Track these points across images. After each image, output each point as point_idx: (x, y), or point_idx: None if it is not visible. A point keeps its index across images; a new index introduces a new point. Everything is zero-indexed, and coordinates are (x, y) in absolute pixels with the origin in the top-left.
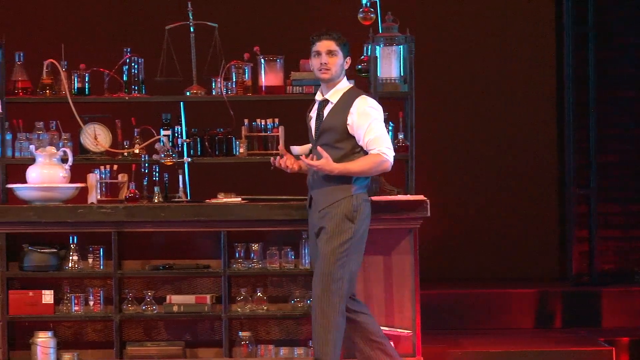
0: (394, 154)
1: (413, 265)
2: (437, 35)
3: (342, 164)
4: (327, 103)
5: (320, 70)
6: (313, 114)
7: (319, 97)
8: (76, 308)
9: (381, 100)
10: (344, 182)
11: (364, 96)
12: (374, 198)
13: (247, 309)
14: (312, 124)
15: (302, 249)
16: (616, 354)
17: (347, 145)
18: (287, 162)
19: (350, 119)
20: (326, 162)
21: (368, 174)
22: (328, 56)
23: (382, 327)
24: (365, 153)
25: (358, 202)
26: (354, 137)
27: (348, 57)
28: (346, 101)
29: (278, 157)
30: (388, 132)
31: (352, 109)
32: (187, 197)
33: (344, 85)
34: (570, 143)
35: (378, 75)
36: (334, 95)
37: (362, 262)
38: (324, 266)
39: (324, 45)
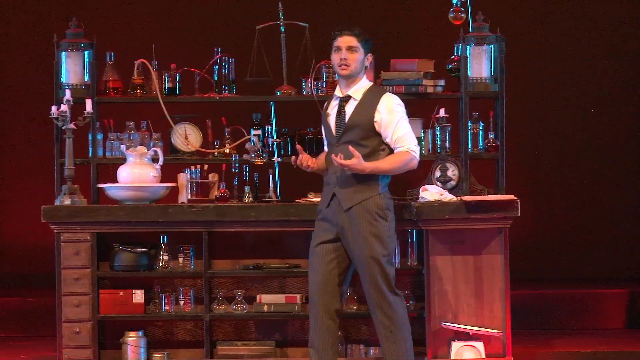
0: (420, 151)
1: (503, 264)
2: (527, 35)
3: (373, 163)
4: (349, 100)
5: (340, 66)
6: (331, 111)
7: (338, 93)
8: (166, 307)
9: (471, 99)
10: (371, 181)
11: (389, 93)
12: (465, 198)
13: None
14: (331, 121)
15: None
16: None
17: (372, 142)
18: (308, 162)
19: (378, 116)
20: (357, 161)
21: (397, 172)
22: (348, 52)
23: (471, 327)
24: (391, 151)
25: (386, 200)
26: (379, 135)
27: (369, 54)
28: (371, 98)
29: (300, 156)
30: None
31: (379, 107)
32: (277, 197)
33: (365, 82)
34: None
35: (469, 74)
36: (356, 93)
37: (453, 261)
38: (370, 268)
39: (345, 40)
